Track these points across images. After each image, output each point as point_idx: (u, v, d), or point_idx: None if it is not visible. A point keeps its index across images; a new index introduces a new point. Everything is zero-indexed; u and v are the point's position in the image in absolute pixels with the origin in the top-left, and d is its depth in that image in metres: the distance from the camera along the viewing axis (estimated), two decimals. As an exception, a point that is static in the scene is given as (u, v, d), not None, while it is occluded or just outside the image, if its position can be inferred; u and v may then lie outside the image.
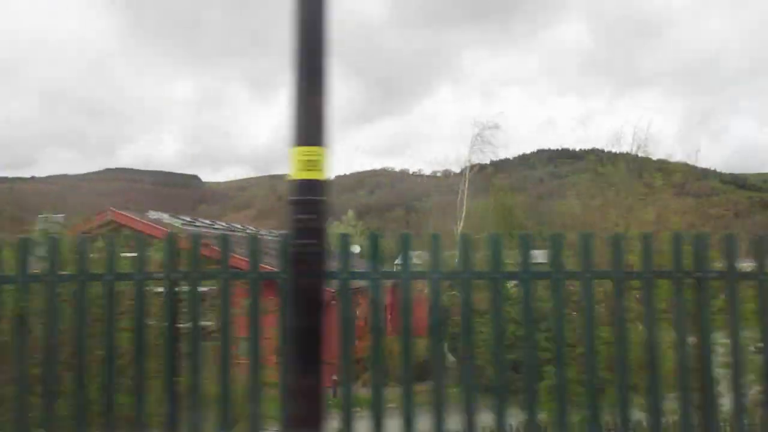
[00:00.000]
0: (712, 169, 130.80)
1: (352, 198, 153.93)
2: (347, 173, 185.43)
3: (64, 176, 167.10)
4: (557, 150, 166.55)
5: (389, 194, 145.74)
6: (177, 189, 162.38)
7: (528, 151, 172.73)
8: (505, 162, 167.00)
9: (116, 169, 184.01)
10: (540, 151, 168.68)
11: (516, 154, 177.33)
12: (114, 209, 15.40)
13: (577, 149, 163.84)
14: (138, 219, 16.29)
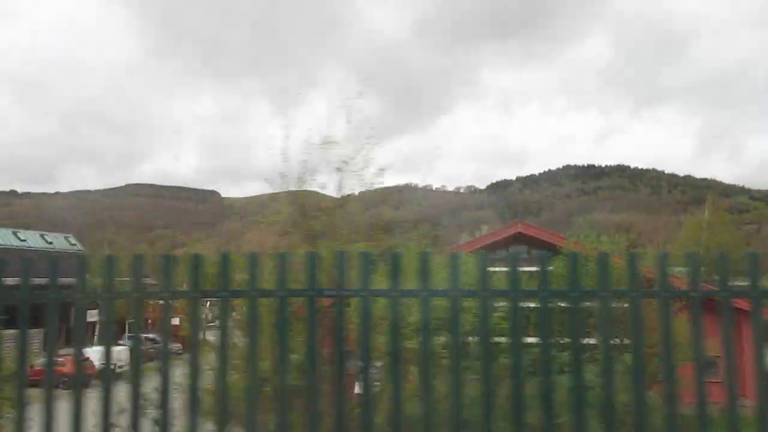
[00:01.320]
0: (740, 185, 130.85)
1: (377, 213, 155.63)
2: (371, 189, 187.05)
3: (86, 191, 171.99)
4: (583, 166, 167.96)
5: (415, 210, 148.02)
6: (196, 204, 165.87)
7: (554, 167, 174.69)
8: (530, 178, 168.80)
9: (137, 184, 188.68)
10: (566, 167, 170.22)
11: (542, 170, 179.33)
12: (522, 222, 14.80)
13: (603, 165, 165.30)
14: (546, 231, 15.66)
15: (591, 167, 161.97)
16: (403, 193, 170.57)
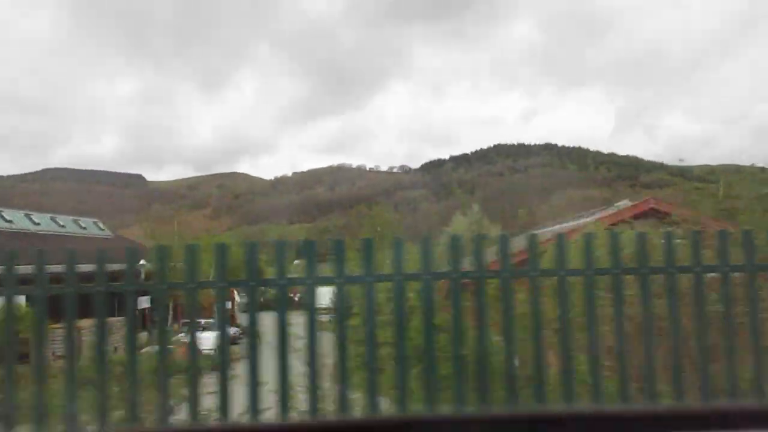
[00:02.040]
0: (659, 162, 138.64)
1: (312, 195, 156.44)
2: (303, 170, 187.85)
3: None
4: (513, 145, 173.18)
5: (350, 191, 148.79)
6: (121, 189, 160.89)
7: (484, 146, 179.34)
8: (462, 157, 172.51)
9: (56, 168, 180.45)
10: (497, 146, 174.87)
11: (473, 149, 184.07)
12: (655, 198, 14.75)
13: (532, 144, 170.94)
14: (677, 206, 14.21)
15: (521, 146, 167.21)
16: (337, 174, 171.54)
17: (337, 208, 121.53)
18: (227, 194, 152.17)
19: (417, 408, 4.09)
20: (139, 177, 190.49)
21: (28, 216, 31.85)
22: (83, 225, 36.90)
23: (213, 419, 3.94)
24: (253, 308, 4.13)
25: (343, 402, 3.89)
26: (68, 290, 3.92)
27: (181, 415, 4.06)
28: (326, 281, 4.14)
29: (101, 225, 39.72)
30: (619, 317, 4.11)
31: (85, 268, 4.15)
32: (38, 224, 31.32)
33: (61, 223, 34.23)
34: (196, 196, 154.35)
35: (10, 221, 29.03)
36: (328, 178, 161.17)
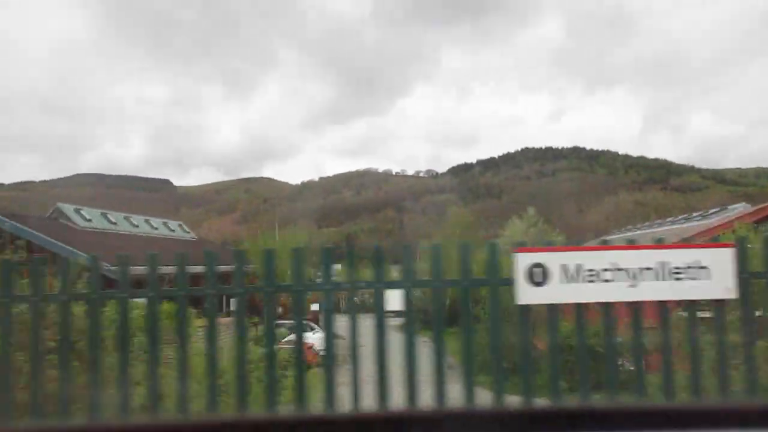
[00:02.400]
0: (690, 165, 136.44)
1: (339, 199, 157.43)
2: (330, 175, 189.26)
3: (31, 183, 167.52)
4: (540, 149, 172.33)
5: (377, 195, 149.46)
6: (150, 193, 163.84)
7: (512, 150, 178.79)
8: (490, 161, 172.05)
9: (85, 174, 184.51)
10: (525, 150, 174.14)
11: (500, 153, 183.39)
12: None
13: (560, 147, 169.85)
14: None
15: (549, 150, 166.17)
16: (364, 178, 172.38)
17: (365, 212, 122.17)
18: (255, 199, 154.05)
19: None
20: (167, 182, 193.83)
21: (104, 215, 32.19)
22: (171, 227, 37.63)
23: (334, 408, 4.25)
24: (352, 312, 4.40)
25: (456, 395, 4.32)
26: (208, 291, 4.36)
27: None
28: (395, 285, 4.37)
29: (185, 227, 40.57)
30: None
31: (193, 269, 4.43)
32: (114, 223, 31.53)
33: (135, 223, 34.55)
34: (224, 201, 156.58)
35: (89, 220, 29.40)
36: (354, 182, 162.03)
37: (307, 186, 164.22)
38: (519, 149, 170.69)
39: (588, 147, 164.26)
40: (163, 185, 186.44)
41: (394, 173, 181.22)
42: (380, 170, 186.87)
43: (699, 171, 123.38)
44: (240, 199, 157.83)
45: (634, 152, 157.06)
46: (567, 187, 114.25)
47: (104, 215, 32.07)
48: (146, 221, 36.08)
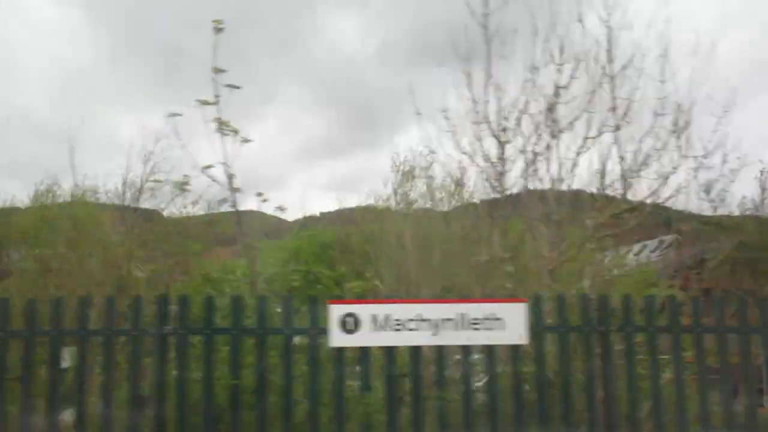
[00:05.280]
0: (687, 211, 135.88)
1: (350, 233, 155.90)
2: (331, 210, 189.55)
3: (16, 209, 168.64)
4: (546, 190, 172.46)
5: (380, 229, 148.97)
6: (141, 223, 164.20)
7: (515, 191, 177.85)
8: (493, 201, 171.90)
9: (71, 201, 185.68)
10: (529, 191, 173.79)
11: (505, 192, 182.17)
12: None
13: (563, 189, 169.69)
14: None
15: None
16: (366, 214, 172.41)
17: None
18: (251, 232, 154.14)
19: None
20: (157, 212, 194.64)
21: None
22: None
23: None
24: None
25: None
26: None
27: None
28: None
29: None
30: None
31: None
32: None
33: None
34: (218, 233, 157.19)
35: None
36: (359, 218, 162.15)
37: (310, 220, 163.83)
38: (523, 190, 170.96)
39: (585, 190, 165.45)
40: (152, 215, 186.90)
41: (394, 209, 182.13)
42: (380, 206, 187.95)
43: (697, 217, 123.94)
44: (234, 231, 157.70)
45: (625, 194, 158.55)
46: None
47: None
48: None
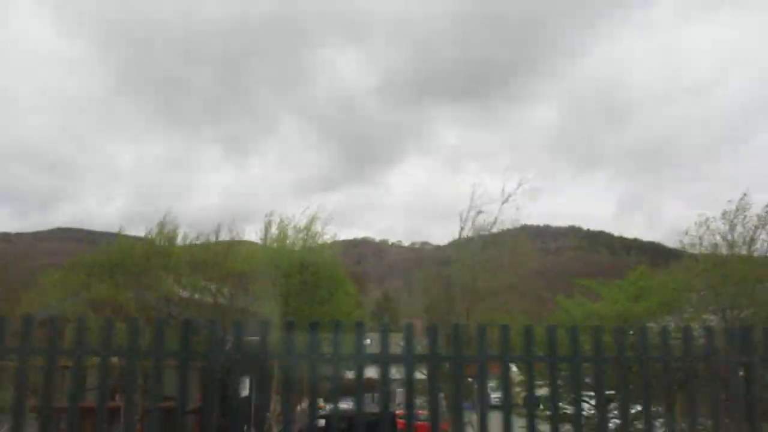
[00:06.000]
0: (682, 249, 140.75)
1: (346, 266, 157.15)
2: (327, 243, 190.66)
3: (7, 234, 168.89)
4: (540, 226, 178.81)
5: (377, 265, 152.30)
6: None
7: (510, 227, 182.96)
8: (490, 237, 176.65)
9: (66, 228, 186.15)
10: (524, 227, 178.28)
11: (501, 228, 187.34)
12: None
13: (558, 226, 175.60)
14: None
15: (547, 228, 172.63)
16: (360, 248, 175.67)
17: (375, 282, 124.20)
18: (252, 263, 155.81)
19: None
20: (147, 239, 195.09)
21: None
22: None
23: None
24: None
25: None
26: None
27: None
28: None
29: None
30: None
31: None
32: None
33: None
34: (218, 263, 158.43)
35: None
36: (352, 252, 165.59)
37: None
38: (519, 226, 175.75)
39: (584, 227, 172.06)
40: (145, 242, 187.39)
41: (389, 243, 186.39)
42: (377, 240, 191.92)
43: (695, 256, 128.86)
44: (235, 262, 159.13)
45: (628, 234, 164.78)
46: (576, 266, 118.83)
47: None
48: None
